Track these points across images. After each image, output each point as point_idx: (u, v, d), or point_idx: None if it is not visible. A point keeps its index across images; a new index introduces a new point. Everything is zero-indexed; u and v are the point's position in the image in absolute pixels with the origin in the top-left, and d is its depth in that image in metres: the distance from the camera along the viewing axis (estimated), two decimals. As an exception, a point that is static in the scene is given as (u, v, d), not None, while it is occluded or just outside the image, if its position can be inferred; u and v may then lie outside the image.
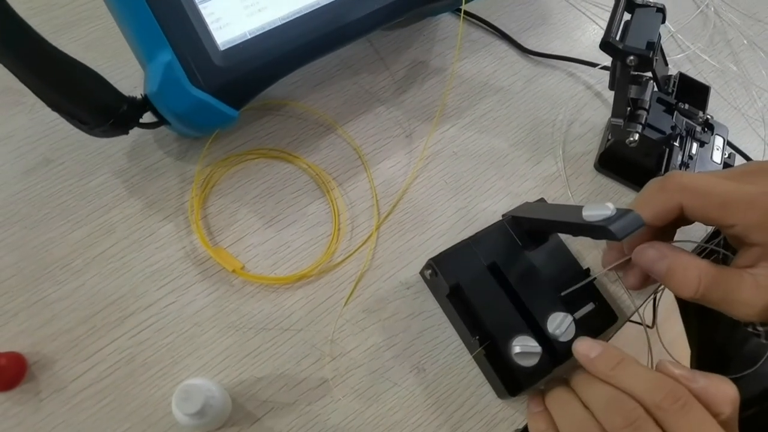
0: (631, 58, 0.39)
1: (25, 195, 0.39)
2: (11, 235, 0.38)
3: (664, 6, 0.42)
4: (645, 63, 0.40)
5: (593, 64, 0.53)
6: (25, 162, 0.40)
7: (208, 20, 0.37)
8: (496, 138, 0.49)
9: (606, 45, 0.40)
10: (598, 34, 0.57)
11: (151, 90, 0.35)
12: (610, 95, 0.52)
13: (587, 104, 0.53)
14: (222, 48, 0.37)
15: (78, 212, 0.39)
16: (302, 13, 0.40)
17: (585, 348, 0.34)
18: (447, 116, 0.49)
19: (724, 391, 0.31)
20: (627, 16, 0.42)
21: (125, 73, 0.44)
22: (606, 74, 0.53)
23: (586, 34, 0.56)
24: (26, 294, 0.37)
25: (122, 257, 0.39)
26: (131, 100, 0.36)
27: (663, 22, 0.42)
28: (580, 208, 0.34)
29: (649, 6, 0.42)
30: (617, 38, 0.40)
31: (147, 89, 0.36)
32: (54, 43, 0.31)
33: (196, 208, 0.41)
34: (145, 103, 0.37)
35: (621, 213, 0.33)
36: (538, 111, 0.51)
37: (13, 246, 0.38)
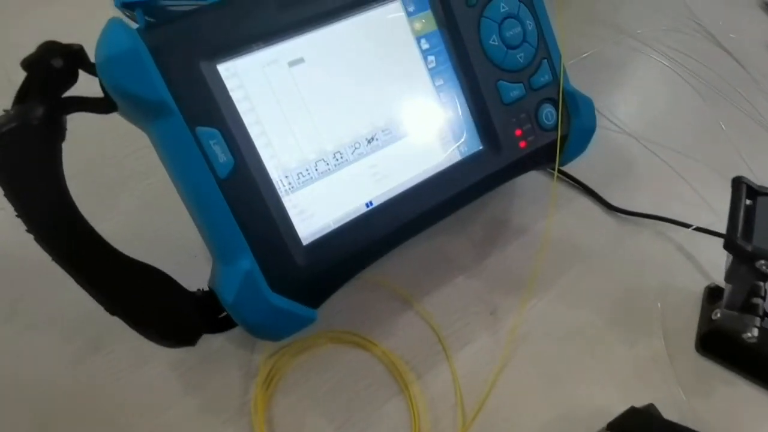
0: (762, 262, 0.35)
1: (71, 388, 0.35)
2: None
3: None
4: (777, 266, 0.35)
5: (686, 225, 0.49)
6: (72, 349, 0.36)
7: (291, 213, 0.33)
8: (588, 313, 0.44)
9: (731, 246, 0.35)
10: (687, 190, 0.52)
11: (225, 299, 0.31)
12: (704, 258, 0.48)
13: (680, 269, 0.48)
14: (305, 243, 0.33)
15: (130, 410, 0.35)
16: (391, 197, 0.36)
17: None
18: (533, 287, 0.44)
19: None
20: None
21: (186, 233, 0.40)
22: (700, 236, 0.49)
23: (675, 189, 0.52)
24: None
25: (176, 472, 0.34)
26: (204, 311, 0.32)
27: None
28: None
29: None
30: (740, 233, 0.36)
31: (219, 293, 0.32)
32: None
33: (260, 411, 0.36)
34: (213, 303, 0.33)
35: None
36: (629, 278, 0.46)
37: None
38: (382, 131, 0.36)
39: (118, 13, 0.32)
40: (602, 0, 0.64)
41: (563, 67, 0.41)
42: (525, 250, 0.46)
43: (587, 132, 0.43)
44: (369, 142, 0.36)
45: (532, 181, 0.49)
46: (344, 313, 0.41)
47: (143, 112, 0.29)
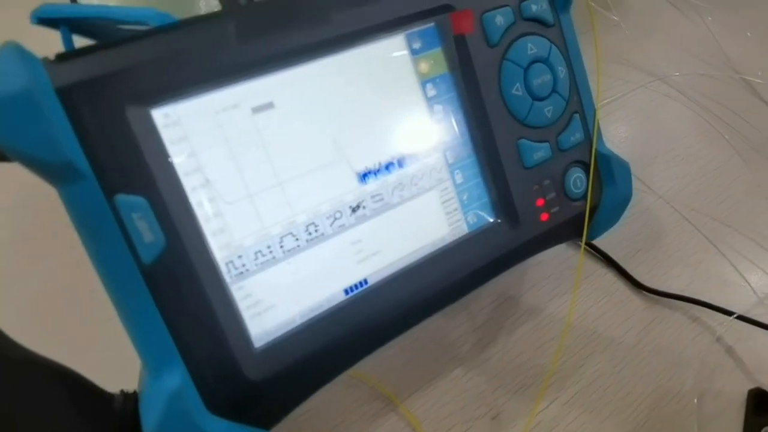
0: None
1: None
2: None
3: None
4: None
5: (726, 312, 0.41)
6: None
7: (241, 306, 0.25)
8: (609, 423, 0.36)
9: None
10: (728, 269, 0.44)
11: (147, 424, 0.23)
12: (744, 352, 0.41)
13: (718, 366, 0.40)
14: (257, 345, 0.25)
15: None
16: (377, 281, 0.28)
17: None
18: (545, 389, 0.36)
19: None
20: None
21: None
22: (742, 325, 0.41)
23: (714, 267, 0.44)
24: None
25: None
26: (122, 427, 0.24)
27: None
28: None
29: None
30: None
31: (141, 414, 0.24)
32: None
33: None
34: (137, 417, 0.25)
35: None
36: (659, 376, 0.39)
37: None
38: (372, 198, 0.28)
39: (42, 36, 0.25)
40: (627, 38, 0.57)
41: (597, 123, 0.34)
42: (536, 337, 0.38)
43: (622, 202, 0.35)
44: (354, 210, 0.28)
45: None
46: (308, 416, 0.32)
47: (43, 173, 0.21)
